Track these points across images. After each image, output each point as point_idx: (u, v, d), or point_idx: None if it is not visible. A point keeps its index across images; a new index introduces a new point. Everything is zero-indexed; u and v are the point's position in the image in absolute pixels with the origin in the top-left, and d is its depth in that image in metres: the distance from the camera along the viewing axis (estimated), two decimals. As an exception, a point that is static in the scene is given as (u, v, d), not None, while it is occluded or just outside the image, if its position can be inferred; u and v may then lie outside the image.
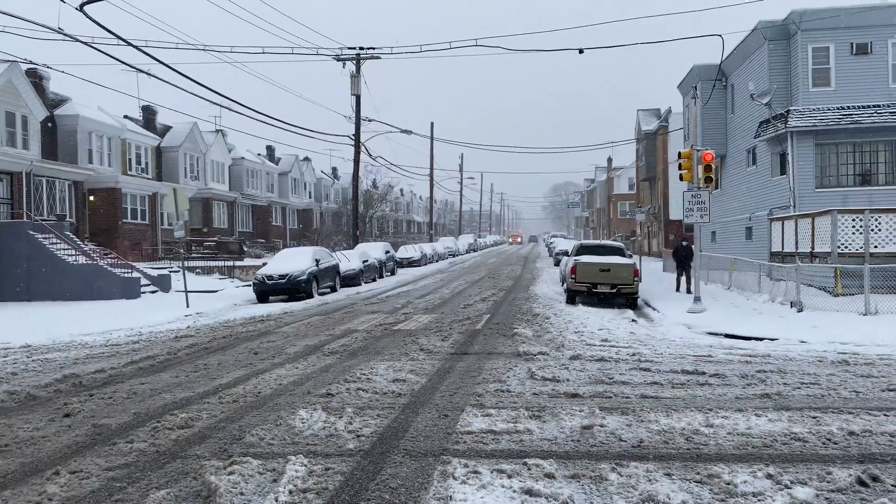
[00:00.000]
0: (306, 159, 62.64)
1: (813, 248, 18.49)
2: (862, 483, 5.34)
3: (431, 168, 62.71)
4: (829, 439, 6.50)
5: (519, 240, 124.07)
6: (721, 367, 10.21)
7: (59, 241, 25.00)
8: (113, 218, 32.68)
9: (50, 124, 31.30)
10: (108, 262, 25.50)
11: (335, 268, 27.23)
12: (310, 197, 63.25)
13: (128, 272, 25.26)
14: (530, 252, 73.46)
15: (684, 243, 23.05)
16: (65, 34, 17.50)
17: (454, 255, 61.72)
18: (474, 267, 44.02)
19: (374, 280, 32.34)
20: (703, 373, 9.67)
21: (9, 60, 24.93)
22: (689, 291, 21.16)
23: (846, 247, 17.47)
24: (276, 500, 5.12)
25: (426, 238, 73.29)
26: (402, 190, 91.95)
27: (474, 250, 76.32)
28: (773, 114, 22.96)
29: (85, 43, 18.08)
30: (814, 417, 7.27)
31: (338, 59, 33.88)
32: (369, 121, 39.02)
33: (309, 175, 63.33)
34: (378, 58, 34.16)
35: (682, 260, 22.90)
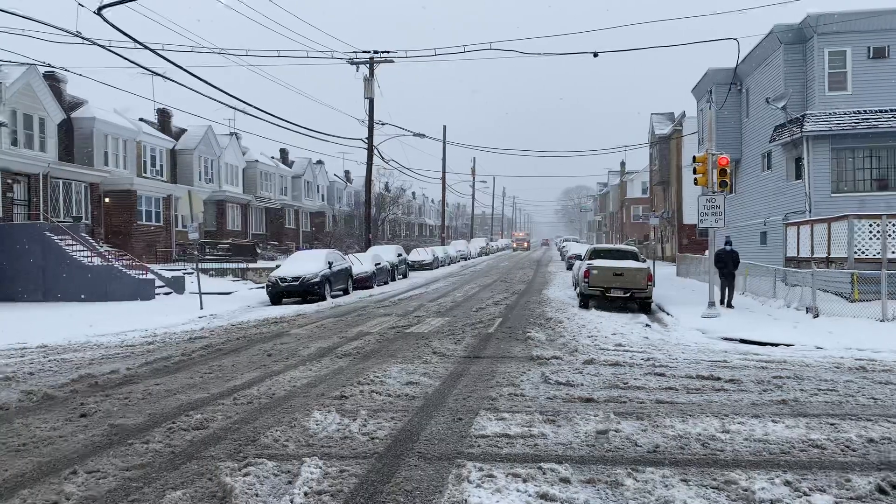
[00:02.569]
0: (319, 162, 62.90)
1: (829, 253, 18.33)
2: (882, 491, 5.28)
3: (444, 171, 62.74)
4: (847, 446, 6.44)
5: (526, 244, 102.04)
6: (737, 372, 10.14)
7: (74, 242, 25.21)
8: (128, 220, 32.93)
9: (66, 127, 31.61)
10: (122, 264, 25.68)
11: (348, 270, 27.28)
12: (322, 200, 63.48)
13: (142, 274, 25.43)
14: (542, 256, 73.30)
15: (728, 248, 19.92)
16: (83, 38, 17.66)
17: (466, 259, 61.67)
18: (486, 270, 43.98)
19: (386, 283, 32.37)
20: (719, 378, 9.61)
21: (27, 63, 25.19)
22: (729, 305, 18.91)
23: (863, 252, 17.30)
24: (292, 502, 5.13)
25: (438, 241, 73.28)
26: (414, 193, 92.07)
27: (486, 254, 76.23)
28: (788, 118, 22.81)
29: (102, 46, 18.23)
30: (832, 424, 7.20)
31: (351, 63, 33.99)
32: (382, 124, 39.17)
33: (322, 178, 63.57)
34: (392, 61, 34.25)
35: (727, 267, 19.68)
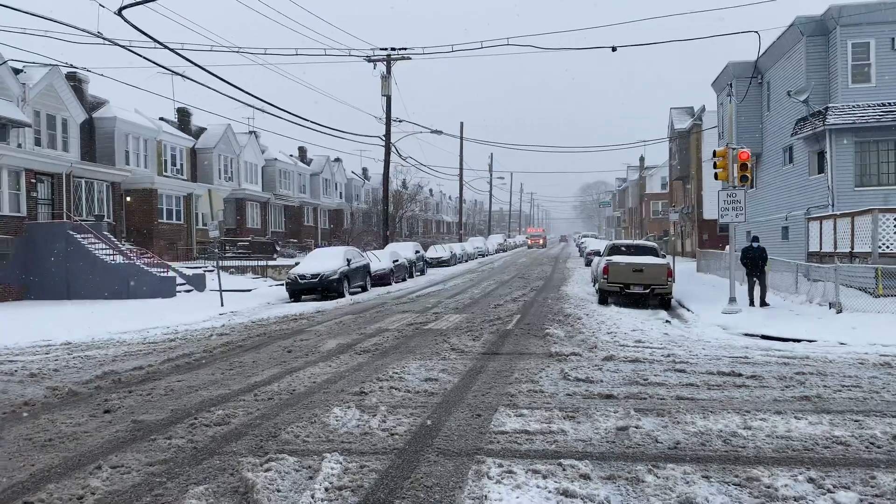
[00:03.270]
0: (337, 160, 63.11)
1: (852, 248, 18.09)
2: (908, 488, 5.20)
3: (461, 168, 62.71)
4: (872, 443, 6.35)
5: (541, 241, 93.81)
6: (758, 368, 10.04)
7: (97, 240, 25.54)
8: (149, 218, 33.29)
9: (88, 126, 31.99)
10: (144, 262, 25.98)
11: (366, 267, 27.37)
12: (341, 197, 63.70)
13: (163, 271, 25.70)
14: (560, 252, 73.06)
15: (755, 244, 18.67)
16: (104, 38, 17.85)
17: (483, 255, 61.63)
18: (504, 267, 43.91)
19: (404, 280, 32.45)
20: (740, 374, 9.52)
21: (50, 64, 25.53)
22: (762, 304, 17.92)
23: (888, 247, 17.06)
24: (313, 497, 5.16)
25: (456, 238, 73.33)
26: (431, 190, 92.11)
27: (504, 250, 76.16)
28: (810, 111, 22.52)
29: (123, 46, 18.43)
30: (856, 421, 7.10)
31: (369, 60, 34.06)
32: (399, 121, 39.23)
33: (340, 175, 63.79)
34: (409, 58, 34.29)
35: (754, 264, 18.39)
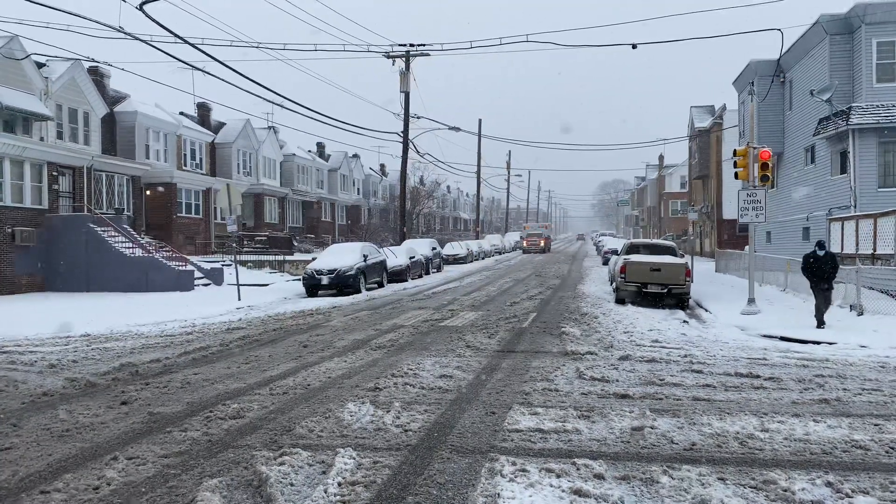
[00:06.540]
0: (355, 156, 63.26)
1: (875, 249, 17.83)
2: (929, 494, 5.11)
3: (479, 165, 62.62)
4: (892, 447, 6.25)
5: (541, 242, 66.64)
6: (777, 370, 9.93)
7: (117, 234, 25.78)
8: (168, 212, 33.56)
9: (109, 120, 32.30)
10: (163, 255, 26.18)
11: (382, 263, 27.41)
12: (358, 193, 63.85)
13: (182, 265, 25.88)
14: (578, 251, 72.71)
15: (821, 252, 14.91)
16: (125, 33, 18.00)
17: (500, 253, 61.50)
18: (521, 265, 43.80)
19: (420, 276, 32.46)
20: (758, 376, 9.42)
21: (72, 59, 25.78)
22: (820, 323, 14.53)
23: (911, 249, 16.78)
24: (326, 492, 5.17)
25: (472, 235, 73.25)
26: (448, 187, 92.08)
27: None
28: (833, 110, 22.21)
29: (144, 41, 18.57)
30: (876, 425, 7.00)
31: (388, 57, 34.08)
32: (418, 118, 39.13)
33: (357, 172, 63.93)
34: (427, 55, 34.24)
35: (821, 274, 14.81)
